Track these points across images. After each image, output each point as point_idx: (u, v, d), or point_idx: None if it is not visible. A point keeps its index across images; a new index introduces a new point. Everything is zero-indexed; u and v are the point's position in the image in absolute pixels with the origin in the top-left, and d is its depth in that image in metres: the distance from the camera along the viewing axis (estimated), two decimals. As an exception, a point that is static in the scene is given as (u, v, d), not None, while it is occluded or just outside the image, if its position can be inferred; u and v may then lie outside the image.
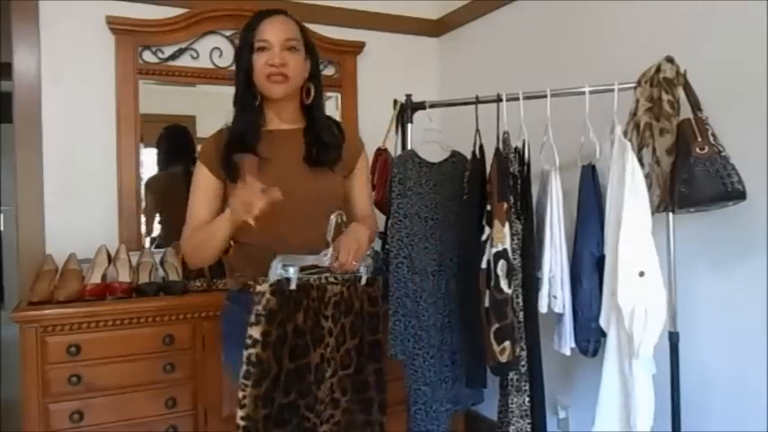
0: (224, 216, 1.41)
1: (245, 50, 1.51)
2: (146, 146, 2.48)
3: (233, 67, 2.50)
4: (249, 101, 1.53)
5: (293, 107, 1.58)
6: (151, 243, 2.50)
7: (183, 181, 2.49)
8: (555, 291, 1.80)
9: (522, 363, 1.84)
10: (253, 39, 1.50)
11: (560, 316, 1.82)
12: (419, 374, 1.99)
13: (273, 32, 1.49)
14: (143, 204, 2.47)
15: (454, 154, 2.12)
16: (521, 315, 1.82)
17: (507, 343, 1.71)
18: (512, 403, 1.85)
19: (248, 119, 1.52)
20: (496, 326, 1.71)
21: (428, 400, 1.99)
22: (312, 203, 1.50)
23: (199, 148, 1.63)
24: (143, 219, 2.48)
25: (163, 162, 2.57)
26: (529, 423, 1.84)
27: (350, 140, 1.64)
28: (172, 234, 2.50)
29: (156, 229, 2.55)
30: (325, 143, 1.55)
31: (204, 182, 1.52)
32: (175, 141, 2.59)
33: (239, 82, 1.54)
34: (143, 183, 2.48)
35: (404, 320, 1.98)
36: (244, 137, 1.50)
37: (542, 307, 1.82)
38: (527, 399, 1.84)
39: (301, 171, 1.52)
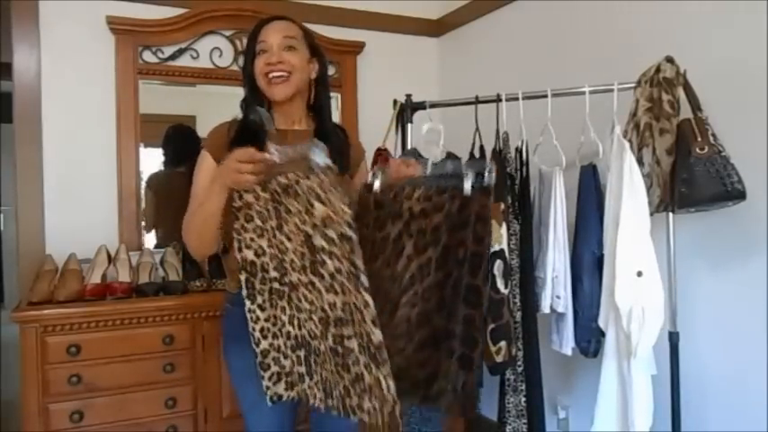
0: (212, 187, 1.38)
1: (248, 57, 1.54)
2: (146, 146, 2.48)
3: (233, 68, 2.56)
4: (256, 104, 1.53)
5: (301, 110, 1.58)
6: (150, 232, 2.51)
7: (186, 181, 2.51)
8: (558, 291, 1.81)
9: (519, 363, 1.84)
10: (254, 45, 1.53)
11: (562, 316, 1.83)
12: None
13: (271, 34, 1.52)
14: (143, 204, 2.48)
15: (449, 155, 2.11)
16: (518, 315, 1.82)
17: (503, 343, 1.71)
18: (508, 403, 1.86)
19: (256, 121, 1.52)
20: (492, 326, 1.71)
21: None
22: None
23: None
24: (143, 217, 2.49)
25: (168, 162, 2.58)
26: (525, 423, 1.84)
27: (354, 146, 1.67)
28: (171, 233, 2.50)
29: (157, 227, 2.56)
30: (336, 148, 1.56)
31: (209, 173, 1.49)
32: (181, 142, 2.59)
33: (245, 87, 1.56)
34: (143, 182, 2.48)
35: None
36: (253, 134, 1.48)
37: (545, 307, 1.82)
38: (523, 399, 1.84)
39: None
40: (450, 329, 1.44)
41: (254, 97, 1.54)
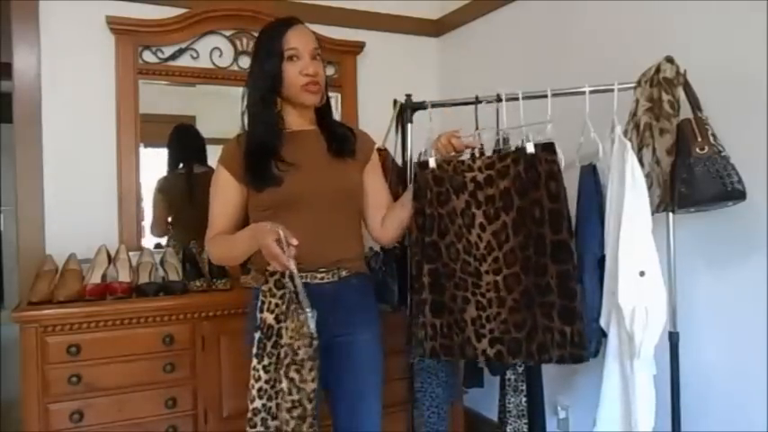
0: (247, 239, 1.46)
1: (272, 58, 1.54)
2: (146, 146, 2.48)
3: (233, 68, 2.56)
4: (270, 106, 1.57)
5: (312, 111, 1.65)
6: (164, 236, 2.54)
7: (190, 181, 2.53)
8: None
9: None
10: (281, 47, 1.53)
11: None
12: (433, 376, 1.97)
13: (301, 41, 1.55)
14: (152, 206, 2.49)
15: None
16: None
17: None
18: (509, 403, 1.86)
19: (269, 124, 1.57)
20: None
21: (441, 402, 1.99)
22: (342, 194, 1.60)
23: (218, 150, 1.65)
24: (150, 220, 2.50)
25: (173, 162, 2.58)
26: (526, 423, 1.84)
27: (361, 134, 1.74)
28: (183, 235, 2.50)
29: (156, 230, 2.56)
30: (342, 137, 1.65)
31: (225, 186, 1.57)
32: (185, 141, 2.59)
33: (262, 88, 1.57)
34: (144, 183, 2.47)
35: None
36: (267, 142, 1.55)
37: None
38: (524, 399, 1.85)
39: (330, 165, 1.60)
40: (542, 287, 1.47)
41: (271, 99, 1.56)
